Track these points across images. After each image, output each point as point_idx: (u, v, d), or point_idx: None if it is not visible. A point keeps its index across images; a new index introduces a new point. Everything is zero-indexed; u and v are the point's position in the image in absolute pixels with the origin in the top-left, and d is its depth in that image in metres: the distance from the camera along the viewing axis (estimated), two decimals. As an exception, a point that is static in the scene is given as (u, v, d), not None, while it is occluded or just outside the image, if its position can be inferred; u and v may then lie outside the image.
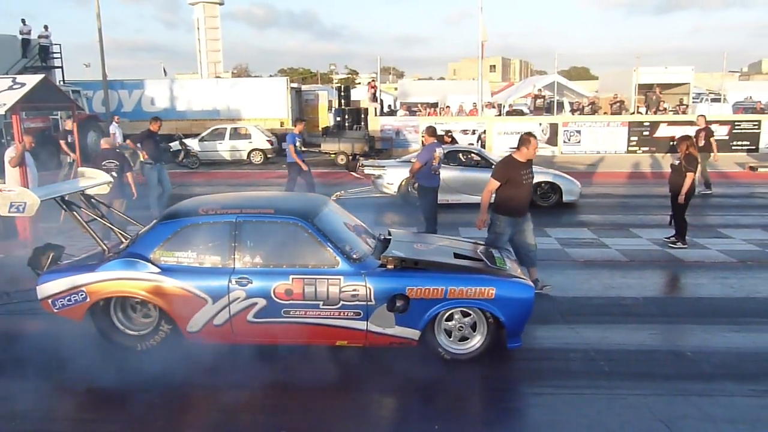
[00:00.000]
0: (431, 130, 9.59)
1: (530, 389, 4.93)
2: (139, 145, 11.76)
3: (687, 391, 4.73)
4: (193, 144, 20.51)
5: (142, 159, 11.80)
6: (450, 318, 5.14)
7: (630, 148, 22.13)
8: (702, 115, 14.95)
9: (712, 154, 13.89)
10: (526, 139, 6.77)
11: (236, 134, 21.51)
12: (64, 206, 6.17)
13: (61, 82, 24.35)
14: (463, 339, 5.18)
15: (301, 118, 14.14)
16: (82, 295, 5.20)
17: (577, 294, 6.70)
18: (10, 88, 8.77)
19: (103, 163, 9.30)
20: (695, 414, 4.40)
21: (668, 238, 9.21)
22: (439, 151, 9.37)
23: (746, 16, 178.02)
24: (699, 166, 13.62)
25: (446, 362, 5.12)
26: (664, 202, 9.17)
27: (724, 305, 6.60)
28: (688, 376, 5.01)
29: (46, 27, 25.79)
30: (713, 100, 29.88)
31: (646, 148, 21.86)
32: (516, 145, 6.88)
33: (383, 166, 13.14)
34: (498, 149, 21.34)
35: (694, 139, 13.92)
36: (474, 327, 5.17)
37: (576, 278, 7.11)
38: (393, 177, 12.61)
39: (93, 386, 4.90)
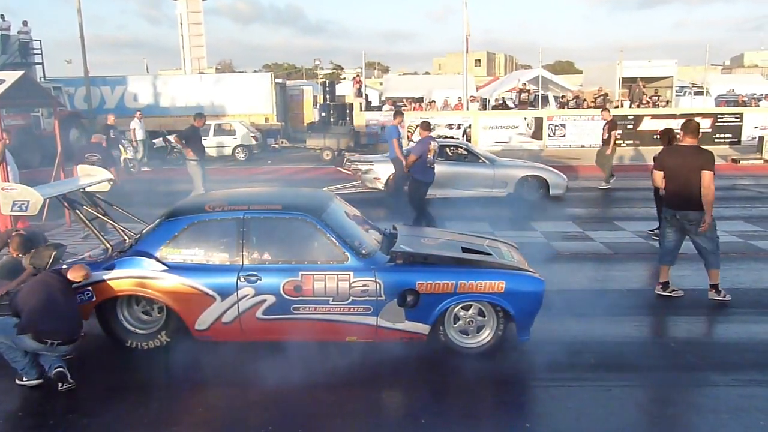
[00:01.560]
0: (426, 124, 9.61)
1: (516, 382, 4.96)
2: (183, 141, 11.69)
3: (671, 382, 4.77)
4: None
5: (186, 155, 11.73)
6: (466, 309, 5.15)
7: (614, 142, 22.22)
8: (606, 109, 15.57)
9: (608, 147, 14.27)
10: (697, 124, 6.47)
11: (220, 130, 21.33)
12: (67, 204, 6.13)
13: (42, 79, 24.02)
14: (465, 333, 5.20)
15: (400, 110, 13.60)
16: (88, 294, 5.15)
17: (563, 287, 6.72)
18: (-11, 84, 8.64)
19: (86, 156, 9.60)
20: (680, 404, 4.44)
21: (652, 230, 9.27)
22: (434, 145, 9.39)
23: (728, 10, 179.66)
24: (605, 158, 14.16)
25: (431, 357, 5.13)
26: (647, 195, 9.24)
27: (708, 296, 6.65)
28: (672, 367, 5.06)
29: (25, 23, 25.43)
30: (696, 93, 30.12)
31: (630, 142, 21.99)
32: (683, 132, 6.45)
33: (370, 161, 13.11)
34: (483, 144, 21.37)
35: (602, 131, 14.44)
36: (480, 329, 5.20)
37: (561, 271, 7.14)
38: (380, 172, 12.59)
39: (81, 384, 4.86)
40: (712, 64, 42.15)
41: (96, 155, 9.67)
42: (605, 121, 14.56)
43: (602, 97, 25.64)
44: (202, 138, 12.14)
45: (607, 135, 14.22)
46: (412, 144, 19.13)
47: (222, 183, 12.05)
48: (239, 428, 4.26)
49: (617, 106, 25.10)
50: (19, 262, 6.42)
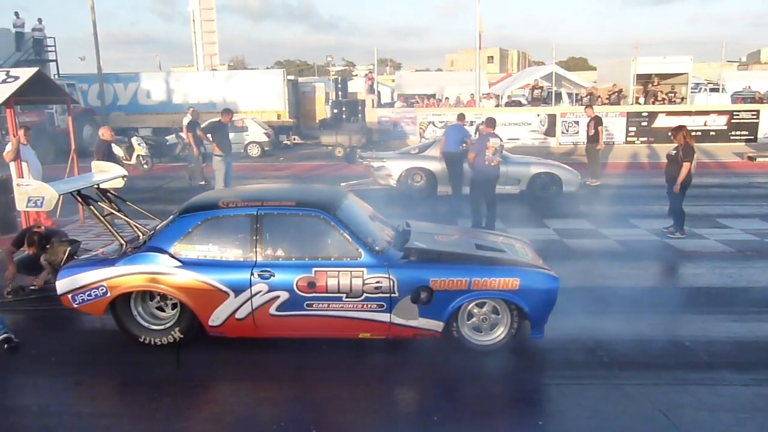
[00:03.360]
0: (490, 122, 9.39)
1: (528, 380, 4.93)
2: (209, 136, 11.81)
3: (685, 381, 4.74)
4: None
5: (213, 151, 11.88)
6: (480, 306, 5.13)
7: (628, 139, 22.10)
8: (589, 106, 15.57)
9: (597, 143, 14.32)
10: None
11: (233, 127, 21.27)
12: (81, 200, 6.18)
13: (56, 76, 24.22)
14: (478, 330, 5.18)
15: (462, 114, 13.21)
16: (102, 290, 5.18)
17: (576, 284, 6.68)
18: (4, 81, 8.72)
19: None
20: (693, 403, 4.40)
21: (666, 228, 9.21)
22: (494, 142, 9.11)
23: (745, 5, 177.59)
24: (593, 155, 14.14)
25: (444, 354, 5.12)
26: (662, 192, 9.17)
27: (723, 295, 6.60)
28: (686, 365, 5.02)
29: (39, 20, 25.68)
30: (712, 90, 29.80)
31: (645, 139, 21.84)
32: None
33: (382, 158, 13.11)
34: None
35: (587, 128, 14.36)
36: (494, 326, 5.18)
37: (574, 269, 7.09)
38: (392, 168, 12.59)
39: (93, 380, 4.90)
40: (728, 61, 41.71)
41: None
42: (589, 118, 14.57)
43: (616, 93, 25.45)
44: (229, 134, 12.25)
45: (593, 131, 14.22)
46: (424, 140, 19.17)
47: (234, 180, 12.09)
48: (250, 424, 4.27)
49: (636, 102, 24.90)
50: (36, 257, 6.52)
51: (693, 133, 9.15)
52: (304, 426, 4.18)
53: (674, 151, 8.94)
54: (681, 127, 9.10)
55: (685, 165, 8.68)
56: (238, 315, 5.06)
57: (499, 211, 9.66)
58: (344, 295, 4.95)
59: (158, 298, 5.40)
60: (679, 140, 8.82)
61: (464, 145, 11.19)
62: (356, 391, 4.67)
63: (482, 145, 9.06)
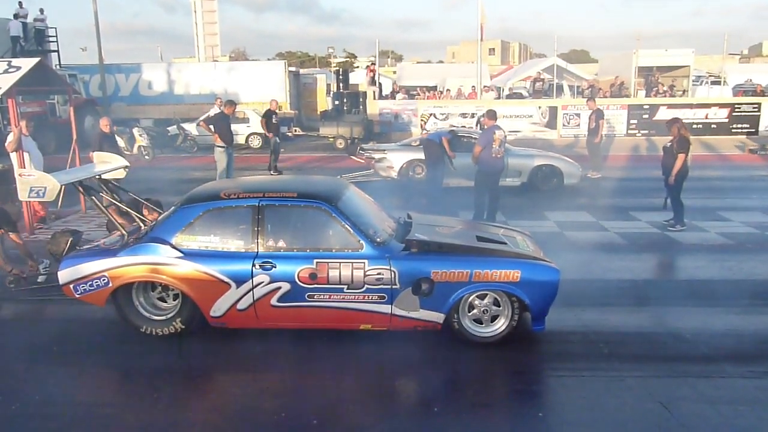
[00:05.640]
0: (491, 114, 9.39)
1: (529, 371, 4.95)
2: (211, 127, 11.81)
3: (686, 373, 4.75)
4: (190, 128, 20.36)
5: (214, 142, 11.91)
6: (481, 298, 5.13)
7: (630, 131, 22.06)
8: (592, 99, 15.72)
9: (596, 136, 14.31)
10: None
11: (234, 118, 21.22)
12: (83, 191, 6.18)
13: (58, 66, 24.15)
14: (479, 322, 5.18)
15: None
16: (104, 280, 5.19)
17: (576, 277, 6.69)
18: (5, 71, 8.70)
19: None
20: (693, 395, 4.42)
21: (667, 220, 9.21)
22: (499, 134, 9.14)
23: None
24: (594, 147, 14.18)
25: (445, 345, 5.14)
26: (663, 184, 9.16)
27: (723, 287, 6.60)
28: (686, 358, 5.03)
29: (41, 10, 25.54)
30: (713, 83, 29.73)
31: (646, 131, 21.79)
32: None
33: (384, 150, 13.10)
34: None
35: (588, 121, 14.30)
36: (494, 318, 5.18)
37: (575, 261, 7.09)
38: (394, 160, 12.58)
39: (95, 370, 4.92)
40: (730, 53, 41.60)
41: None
42: (591, 111, 14.59)
43: (618, 86, 25.40)
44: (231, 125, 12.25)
45: (594, 124, 14.24)
46: (424, 132, 19.14)
47: (236, 171, 12.10)
48: (252, 414, 4.28)
49: (632, 95, 24.82)
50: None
51: (694, 126, 9.16)
52: (305, 417, 4.20)
53: (670, 143, 8.98)
54: (675, 120, 9.14)
55: (680, 156, 8.70)
56: (240, 306, 5.07)
57: (501, 203, 9.67)
58: (345, 287, 4.96)
59: (160, 288, 5.41)
60: (674, 132, 8.87)
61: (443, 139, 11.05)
62: (357, 383, 4.69)
63: (489, 138, 9.05)
